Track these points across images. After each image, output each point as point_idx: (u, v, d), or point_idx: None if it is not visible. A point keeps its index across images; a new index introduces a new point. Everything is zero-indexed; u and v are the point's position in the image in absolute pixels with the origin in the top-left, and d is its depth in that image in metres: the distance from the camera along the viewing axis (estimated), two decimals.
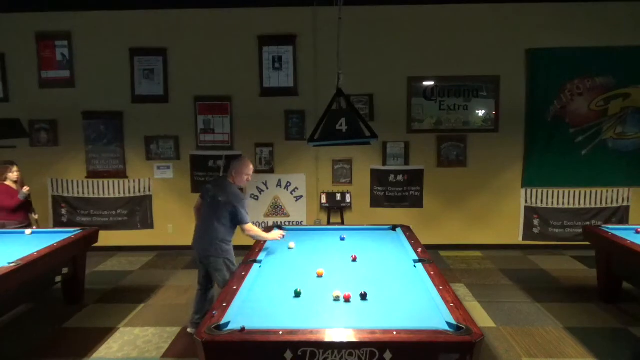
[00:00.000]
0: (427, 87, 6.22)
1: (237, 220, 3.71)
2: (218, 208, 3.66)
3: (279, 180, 6.49)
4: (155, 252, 6.48)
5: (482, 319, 4.13)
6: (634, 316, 4.14)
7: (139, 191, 6.52)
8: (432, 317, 2.34)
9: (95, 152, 6.44)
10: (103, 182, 6.50)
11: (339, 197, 6.36)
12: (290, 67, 6.22)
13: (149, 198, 6.53)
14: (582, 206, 6.34)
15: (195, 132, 6.39)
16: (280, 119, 6.32)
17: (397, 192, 6.42)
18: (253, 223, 6.75)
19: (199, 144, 6.42)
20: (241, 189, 3.86)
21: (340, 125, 3.28)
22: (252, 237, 3.78)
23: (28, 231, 4.56)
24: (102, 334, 3.88)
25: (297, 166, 6.45)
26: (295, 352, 2.05)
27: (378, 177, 6.42)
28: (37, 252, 3.87)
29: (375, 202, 6.46)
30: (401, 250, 3.78)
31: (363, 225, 5.05)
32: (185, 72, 6.27)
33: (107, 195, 6.52)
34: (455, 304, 2.46)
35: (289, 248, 3.93)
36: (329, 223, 6.28)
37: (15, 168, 4.98)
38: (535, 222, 6.39)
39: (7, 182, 4.93)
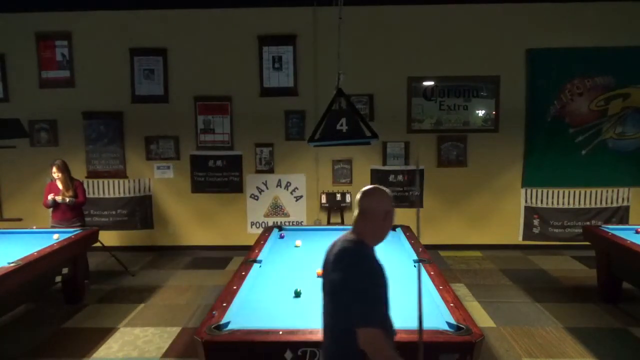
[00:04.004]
0: (427, 87, 6.22)
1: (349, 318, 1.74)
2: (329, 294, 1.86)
3: (279, 180, 6.49)
4: (155, 252, 6.49)
5: (482, 319, 4.12)
6: (634, 316, 4.14)
7: (139, 191, 6.52)
8: (432, 317, 2.34)
9: (95, 152, 6.44)
10: (103, 182, 6.50)
11: (339, 197, 6.36)
12: (290, 67, 6.22)
13: (149, 198, 6.53)
14: (582, 206, 6.33)
15: (195, 132, 6.39)
16: (280, 119, 6.32)
17: (397, 192, 6.41)
18: (253, 224, 6.87)
19: (199, 144, 6.41)
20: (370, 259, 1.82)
21: (341, 125, 3.28)
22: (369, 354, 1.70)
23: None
24: (102, 334, 3.88)
25: (297, 166, 6.45)
26: (295, 352, 2.05)
27: (378, 177, 6.42)
28: (37, 252, 3.88)
29: None
30: (401, 250, 3.79)
31: None
32: (185, 72, 6.27)
33: (107, 195, 6.52)
34: (455, 304, 2.46)
35: (296, 246, 3.93)
36: (329, 223, 6.28)
37: (54, 169, 4.94)
38: (535, 222, 6.39)
39: (57, 181, 4.97)
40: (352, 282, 1.70)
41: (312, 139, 3.46)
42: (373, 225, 1.83)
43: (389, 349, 1.68)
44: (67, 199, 4.93)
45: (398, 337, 2.08)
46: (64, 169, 4.98)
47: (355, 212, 1.88)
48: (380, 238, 1.87)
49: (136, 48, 6.24)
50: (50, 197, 4.90)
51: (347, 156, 6.39)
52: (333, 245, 1.91)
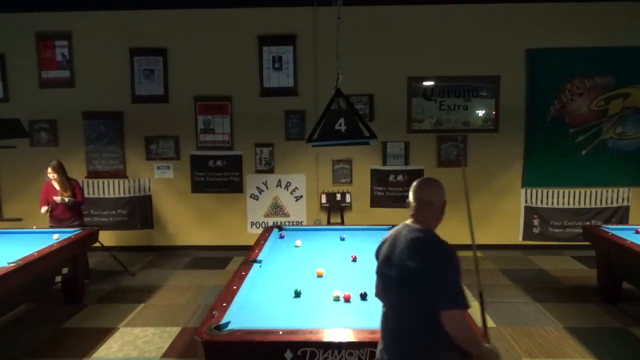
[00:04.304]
0: (427, 87, 6.22)
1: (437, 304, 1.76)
2: (408, 287, 1.83)
3: (279, 180, 6.49)
4: (155, 252, 6.49)
5: None
6: (634, 316, 4.14)
7: (139, 191, 6.52)
8: None
9: (95, 152, 6.44)
10: (103, 182, 6.50)
11: (339, 197, 6.35)
12: (290, 67, 6.22)
13: (149, 198, 6.53)
14: (582, 206, 6.33)
15: (195, 132, 6.39)
16: (280, 119, 6.32)
17: (397, 192, 6.41)
18: (253, 224, 6.87)
19: (199, 144, 6.41)
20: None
21: (339, 125, 3.28)
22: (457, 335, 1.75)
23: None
24: (102, 334, 3.88)
25: (297, 166, 6.45)
26: (295, 352, 2.05)
27: (378, 177, 6.42)
28: (37, 252, 3.88)
29: (375, 202, 6.45)
30: None
31: (363, 225, 5.05)
32: (185, 72, 6.26)
33: (107, 195, 6.52)
34: None
35: (296, 246, 3.93)
36: (329, 223, 6.28)
37: (49, 169, 4.94)
38: (535, 222, 6.39)
39: (53, 182, 4.98)
40: (437, 268, 1.76)
41: (310, 139, 3.46)
42: (433, 214, 1.94)
43: (473, 327, 1.80)
44: (67, 199, 4.93)
45: None
46: (59, 170, 4.96)
47: (413, 203, 1.95)
48: (437, 226, 1.96)
49: (136, 48, 6.24)
50: (49, 204, 4.91)
51: (347, 156, 6.38)
52: (396, 238, 1.93)
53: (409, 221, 1.96)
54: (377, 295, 2.06)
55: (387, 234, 2.04)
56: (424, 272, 1.76)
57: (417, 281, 1.78)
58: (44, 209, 4.93)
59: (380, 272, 1.98)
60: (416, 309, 1.79)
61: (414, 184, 2.00)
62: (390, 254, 1.91)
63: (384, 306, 1.96)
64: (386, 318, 1.93)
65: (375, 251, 2.07)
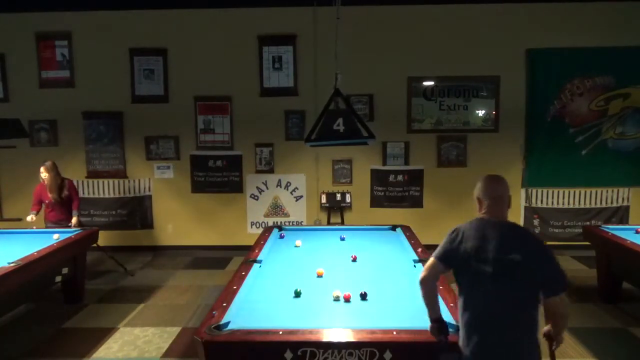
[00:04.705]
0: (427, 87, 6.22)
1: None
2: (511, 278, 1.90)
3: (279, 180, 6.49)
4: (155, 252, 6.49)
5: None
6: (634, 316, 4.14)
7: (139, 191, 6.52)
8: None
9: (95, 152, 6.44)
10: (103, 182, 6.49)
11: (339, 197, 6.35)
12: (290, 67, 6.22)
13: (149, 198, 6.53)
14: (582, 206, 6.33)
15: (195, 132, 6.39)
16: (280, 119, 6.32)
17: (397, 192, 6.41)
18: (253, 224, 6.88)
19: (199, 144, 6.41)
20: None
21: (338, 125, 3.28)
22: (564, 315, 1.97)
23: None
24: (102, 334, 3.88)
25: (297, 166, 6.45)
26: (295, 352, 2.05)
27: (378, 177, 6.42)
28: (37, 252, 3.88)
29: (375, 202, 6.45)
30: (401, 250, 3.79)
31: (363, 225, 5.05)
32: (185, 72, 6.26)
33: (107, 195, 6.52)
34: (456, 305, 2.45)
35: (296, 246, 3.93)
36: (329, 223, 6.28)
37: (41, 169, 4.93)
38: (536, 222, 6.39)
39: (45, 182, 4.97)
40: (541, 257, 1.89)
41: (308, 139, 3.45)
42: (506, 208, 2.06)
43: None
44: (76, 217, 5.05)
45: (397, 337, 2.08)
46: (51, 170, 4.95)
47: (487, 200, 2.04)
48: None
49: (136, 48, 6.24)
50: (41, 205, 4.99)
51: (347, 156, 6.38)
52: (482, 234, 1.97)
53: (485, 217, 2.04)
54: (425, 281, 2.06)
55: (460, 229, 2.06)
56: (530, 263, 1.86)
57: (523, 272, 1.87)
58: (29, 217, 4.92)
59: (466, 267, 1.98)
60: (519, 299, 1.88)
61: (484, 183, 2.08)
62: (480, 249, 1.95)
63: (472, 299, 1.97)
64: (479, 312, 1.94)
65: (449, 243, 2.05)
